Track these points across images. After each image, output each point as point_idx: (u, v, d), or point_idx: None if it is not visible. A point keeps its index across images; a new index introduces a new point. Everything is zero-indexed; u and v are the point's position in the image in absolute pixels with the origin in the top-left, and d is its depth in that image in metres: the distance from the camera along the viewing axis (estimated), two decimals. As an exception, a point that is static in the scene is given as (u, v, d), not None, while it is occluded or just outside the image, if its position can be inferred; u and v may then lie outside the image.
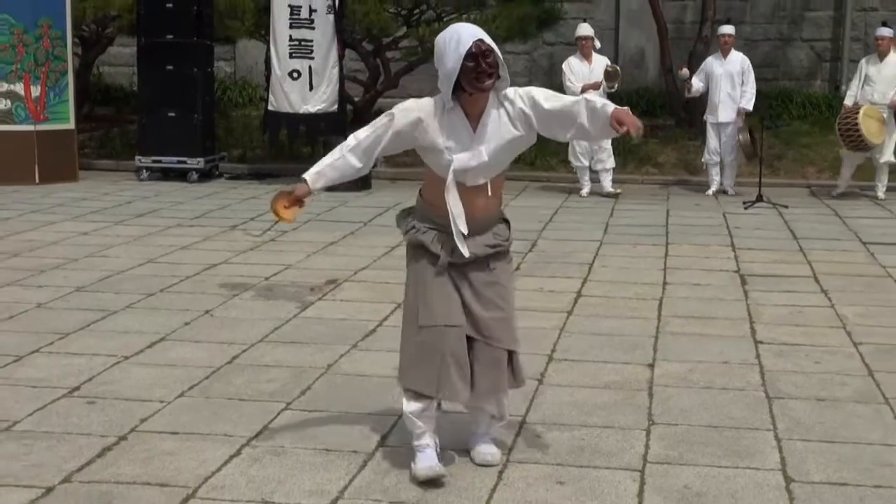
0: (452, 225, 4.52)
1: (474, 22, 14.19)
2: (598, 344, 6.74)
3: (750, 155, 13.29)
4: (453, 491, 4.53)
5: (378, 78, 16.46)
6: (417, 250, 4.68)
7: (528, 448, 5.01)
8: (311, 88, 14.09)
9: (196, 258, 9.31)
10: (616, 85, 13.36)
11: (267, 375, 6.07)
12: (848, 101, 13.58)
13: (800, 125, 16.80)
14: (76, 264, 9.03)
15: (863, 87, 13.48)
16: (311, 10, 13.93)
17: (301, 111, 14.13)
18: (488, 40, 4.42)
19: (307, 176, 4.65)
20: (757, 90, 13.85)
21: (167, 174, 14.65)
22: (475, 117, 4.54)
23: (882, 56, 13.46)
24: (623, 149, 14.10)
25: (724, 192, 13.88)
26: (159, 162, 14.56)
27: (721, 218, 11.98)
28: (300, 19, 13.98)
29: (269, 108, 14.34)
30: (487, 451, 4.82)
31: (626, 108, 4.52)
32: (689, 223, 11.58)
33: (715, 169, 13.95)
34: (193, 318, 7.33)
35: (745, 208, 12.61)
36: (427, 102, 4.58)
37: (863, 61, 13.85)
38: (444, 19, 16.16)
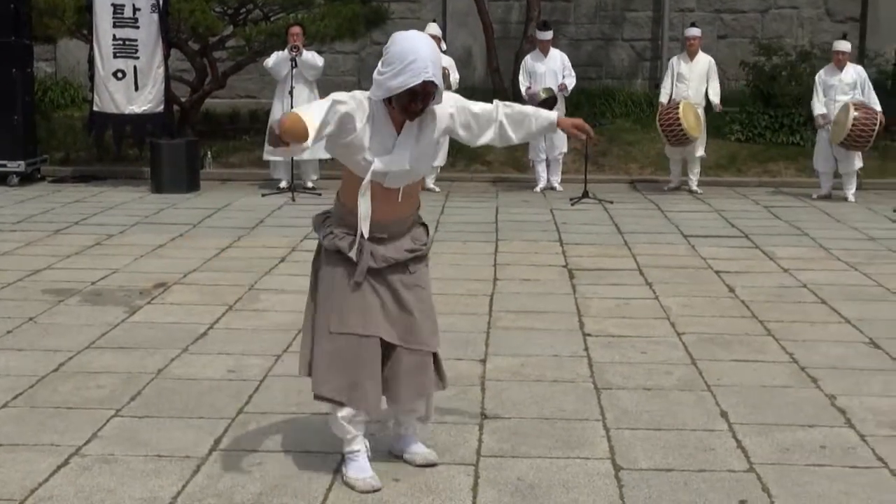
0: (359, 227, 4.45)
1: (302, 21, 14.23)
2: (430, 341, 6.78)
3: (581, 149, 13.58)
4: (288, 492, 4.52)
5: (205, 78, 16.23)
6: (333, 256, 4.57)
7: (364, 446, 5.03)
8: (136, 89, 13.85)
9: (18, 264, 9.03)
10: (451, 86, 13.40)
11: (95, 382, 5.93)
12: (663, 99, 14.06)
13: (622, 122, 17.23)
14: None
15: (676, 84, 13.99)
16: (135, 9, 13.69)
17: (127, 112, 13.89)
18: (438, 76, 4.33)
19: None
20: (582, 88, 14.22)
21: (-15, 178, 14.17)
22: (399, 122, 4.46)
23: (692, 55, 14.03)
24: (452, 148, 14.21)
25: (552, 189, 14.15)
26: (-23, 166, 14.07)
27: (549, 214, 12.21)
28: (124, 18, 13.71)
29: (94, 108, 14.06)
30: (425, 451, 4.83)
31: (570, 119, 4.72)
32: (517, 220, 11.77)
33: (541, 166, 14.23)
34: (16, 325, 7.11)
35: (572, 204, 12.88)
36: (360, 96, 4.43)
37: (673, 60, 14.38)
38: (272, 18, 16.04)
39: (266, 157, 13.84)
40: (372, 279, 4.53)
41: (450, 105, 4.57)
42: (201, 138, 15.20)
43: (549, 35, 14.22)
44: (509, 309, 7.69)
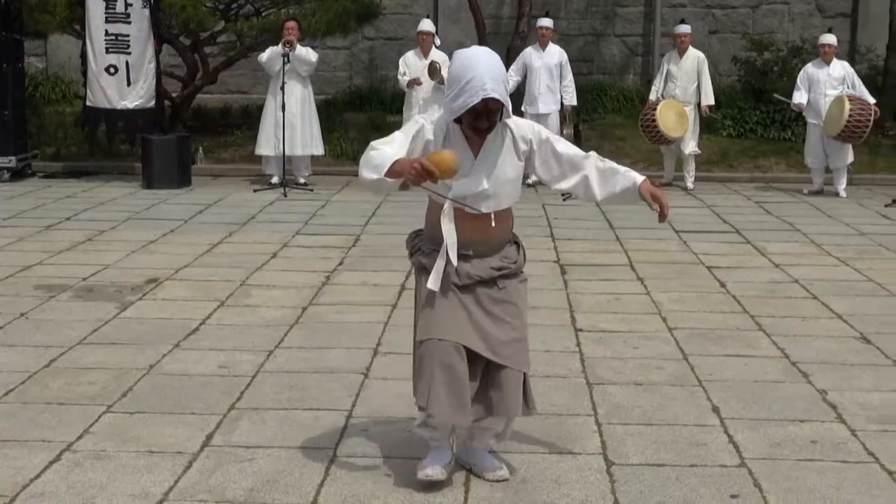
0: (448, 253, 4.38)
1: (294, 16, 14.20)
2: (422, 336, 6.79)
3: None
4: (280, 488, 4.52)
5: (196, 73, 16.21)
6: (422, 272, 4.52)
7: (356, 442, 5.03)
8: (128, 84, 13.84)
9: (9, 260, 9.02)
10: (444, 81, 13.41)
11: (87, 378, 5.92)
12: (652, 97, 14.12)
13: (614, 118, 17.25)
14: None
15: (666, 83, 14.00)
16: (127, 4, 13.68)
17: (119, 107, 13.89)
18: (499, 92, 4.22)
19: (397, 157, 4.16)
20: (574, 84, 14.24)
21: (-24, 174, 14.14)
22: (477, 142, 4.39)
23: (682, 52, 14.00)
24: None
25: (543, 184, 14.12)
26: (-33, 161, 14.03)
27: (541, 209, 12.21)
28: (116, 13, 13.70)
29: (88, 103, 14.05)
30: (498, 466, 4.65)
31: (651, 187, 4.43)
32: (510, 215, 11.74)
33: (535, 161, 14.20)
34: (7, 321, 7.09)
35: (564, 200, 12.86)
36: (439, 120, 4.40)
37: (664, 58, 14.42)
38: (263, 14, 16.02)
39: (258, 151, 13.83)
40: (460, 293, 4.44)
41: (532, 132, 4.47)
42: (193, 134, 15.17)
43: (548, 22, 14.23)
44: (501, 304, 7.67)
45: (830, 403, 5.64)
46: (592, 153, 4.57)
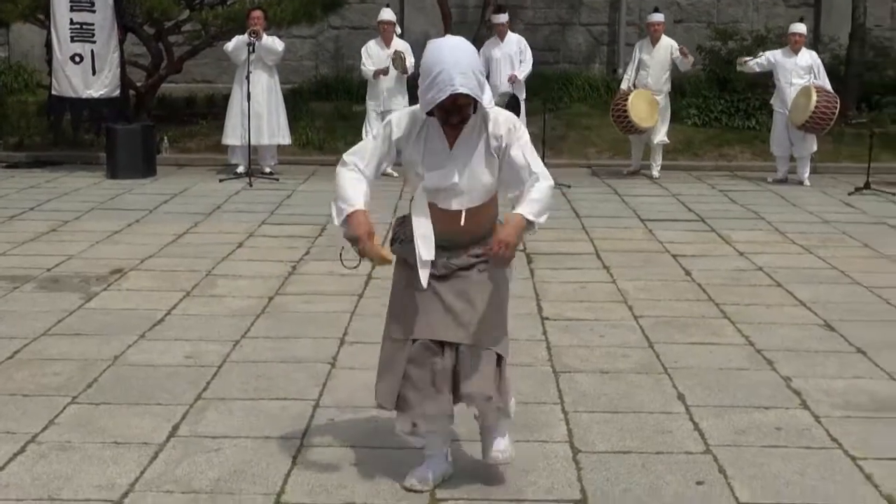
0: (416, 247, 4.28)
1: (260, 5, 14.12)
2: (389, 326, 6.78)
3: None
4: (247, 478, 4.51)
5: (161, 63, 16.10)
6: (401, 261, 4.45)
7: (323, 432, 5.03)
8: (94, 73, 13.74)
9: (-28, 251, 8.95)
10: (407, 70, 13.37)
11: (51, 369, 5.89)
12: (623, 86, 14.05)
13: (580, 107, 17.27)
14: None
15: (638, 71, 13.95)
16: (91, -7, 13.57)
17: (84, 96, 13.81)
18: (469, 86, 4.07)
19: (356, 206, 4.23)
20: (539, 72, 14.17)
21: (-62, 164, 14.02)
22: (453, 135, 4.29)
23: (655, 41, 13.93)
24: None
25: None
26: (-71, 151, 13.91)
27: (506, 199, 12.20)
28: (81, 2, 13.61)
29: (53, 92, 13.95)
30: (500, 449, 4.51)
31: (516, 227, 4.18)
32: (476, 204, 11.73)
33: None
34: (-29, 312, 7.05)
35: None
36: (415, 111, 4.32)
37: (637, 46, 14.31)
38: (228, 3, 15.93)
39: (224, 141, 13.77)
40: (436, 282, 4.34)
41: (504, 129, 4.29)
42: (158, 123, 15.09)
43: (503, 18, 14.18)
44: (468, 293, 7.68)
45: (794, 390, 5.69)
46: (539, 179, 4.26)
